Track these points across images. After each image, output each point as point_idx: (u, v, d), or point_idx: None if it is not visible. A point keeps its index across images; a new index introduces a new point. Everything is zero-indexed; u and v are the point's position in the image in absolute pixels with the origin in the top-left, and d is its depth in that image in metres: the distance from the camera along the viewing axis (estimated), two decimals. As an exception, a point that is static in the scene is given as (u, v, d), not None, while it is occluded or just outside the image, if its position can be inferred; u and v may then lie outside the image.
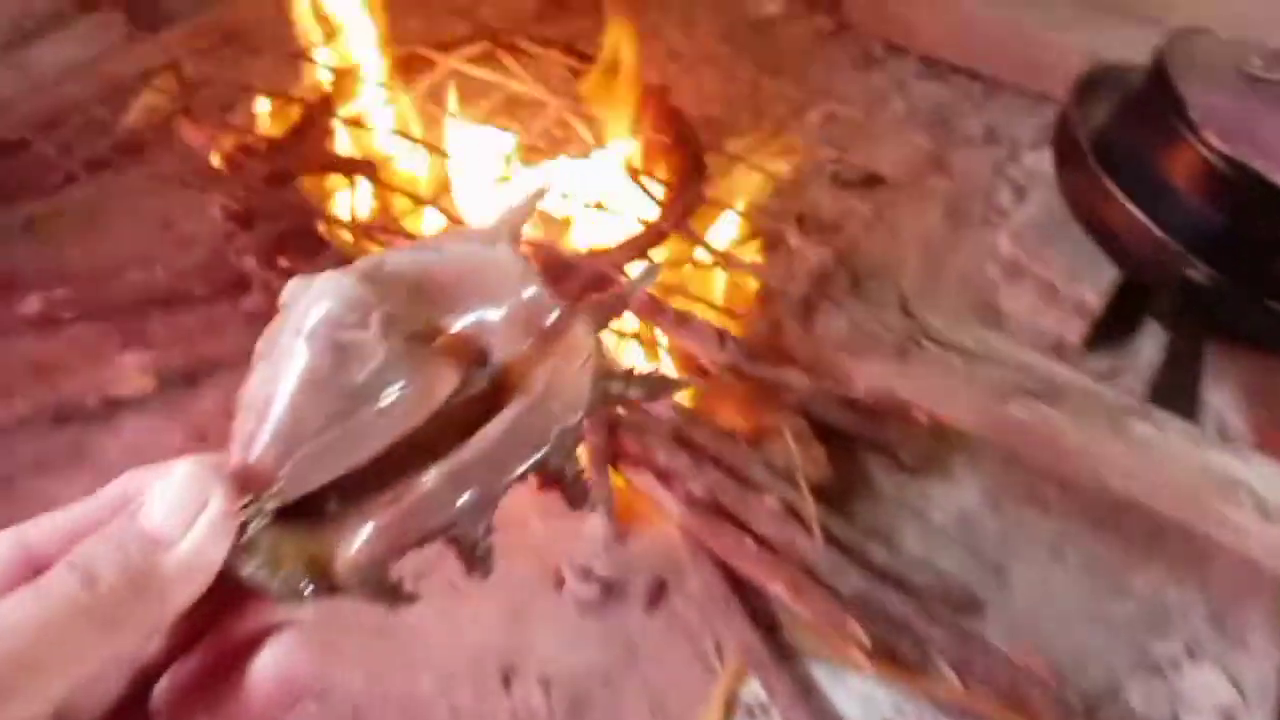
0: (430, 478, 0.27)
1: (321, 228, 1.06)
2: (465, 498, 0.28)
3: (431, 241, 0.32)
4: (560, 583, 0.96)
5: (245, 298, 1.19)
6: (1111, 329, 1.20)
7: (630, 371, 0.32)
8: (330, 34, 1.16)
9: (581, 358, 0.30)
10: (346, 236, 1.05)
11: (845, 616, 0.84)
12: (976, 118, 1.44)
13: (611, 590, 0.98)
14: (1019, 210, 1.27)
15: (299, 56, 1.10)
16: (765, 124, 1.44)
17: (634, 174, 0.93)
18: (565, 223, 0.93)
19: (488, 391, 0.29)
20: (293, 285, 0.29)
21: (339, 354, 0.27)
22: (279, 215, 1.09)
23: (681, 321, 0.93)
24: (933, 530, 1.05)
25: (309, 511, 0.27)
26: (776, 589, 0.88)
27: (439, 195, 1.03)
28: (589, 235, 0.93)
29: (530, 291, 0.30)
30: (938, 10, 1.47)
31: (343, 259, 0.63)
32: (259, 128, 1.18)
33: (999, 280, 1.22)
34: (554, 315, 0.30)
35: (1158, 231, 1.09)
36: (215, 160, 1.10)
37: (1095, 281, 1.17)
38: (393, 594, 0.28)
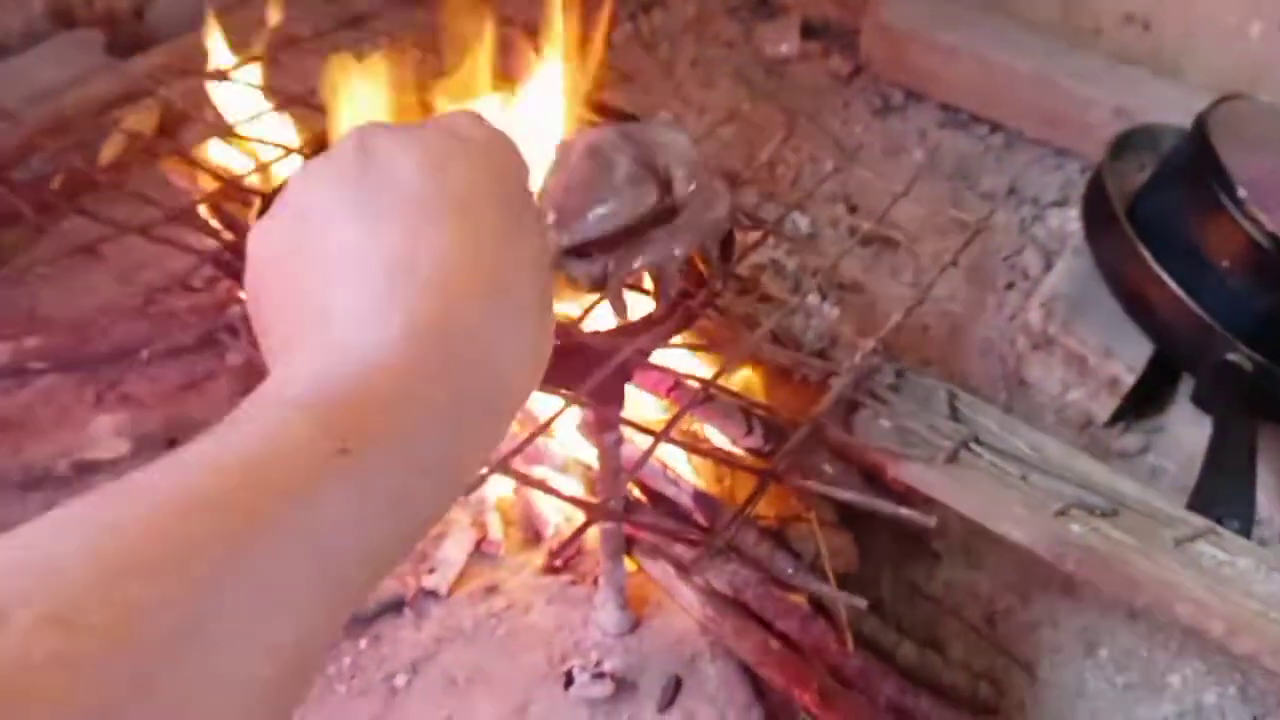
0: (655, 233, 0.52)
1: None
2: (672, 246, 0.53)
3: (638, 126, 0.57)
4: (569, 681, 0.89)
5: (231, 349, 1.11)
6: (1142, 404, 1.15)
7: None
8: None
9: (721, 195, 0.56)
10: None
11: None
12: (998, 172, 1.39)
13: (623, 686, 0.91)
14: (1047, 276, 1.22)
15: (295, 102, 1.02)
16: (780, 173, 1.38)
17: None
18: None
19: (666, 210, 0.52)
20: (566, 139, 0.52)
21: (606, 166, 0.49)
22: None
23: (704, 401, 0.87)
24: (961, 624, 1.00)
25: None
26: (805, 698, 0.82)
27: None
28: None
29: (693, 155, 0.53)
30: (960, 57, 1.42)
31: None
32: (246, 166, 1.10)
33: (1025, 351, 1.17)
34: (704, 174, 0.54)
35: (1196, 309, 1.04)
36: (201, 202, 1.02)
37: (1129, 356, 1.12)
38: (621, 299, 0.56)
